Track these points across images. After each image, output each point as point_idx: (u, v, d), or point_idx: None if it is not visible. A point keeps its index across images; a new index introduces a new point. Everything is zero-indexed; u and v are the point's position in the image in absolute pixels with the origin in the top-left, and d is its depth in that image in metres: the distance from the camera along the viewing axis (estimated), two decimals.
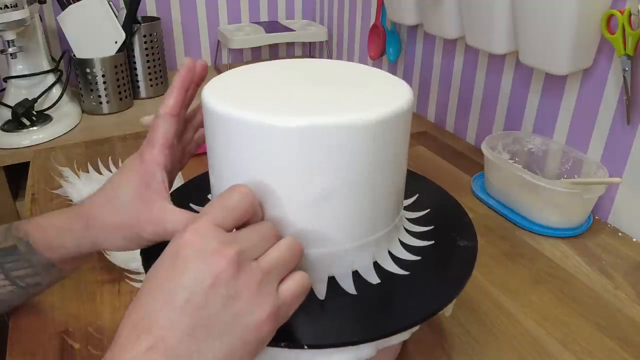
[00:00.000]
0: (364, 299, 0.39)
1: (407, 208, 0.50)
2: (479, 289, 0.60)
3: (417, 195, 0.52)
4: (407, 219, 0.48)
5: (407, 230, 0.47)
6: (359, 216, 0.39)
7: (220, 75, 0.43)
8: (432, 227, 0.48)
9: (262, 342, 0.33)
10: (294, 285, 0.34)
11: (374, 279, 0.41)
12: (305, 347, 0.35)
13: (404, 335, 0.41)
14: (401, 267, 0.42)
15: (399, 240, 0.45)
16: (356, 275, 0.41)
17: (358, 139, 0.36)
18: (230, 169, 0.39)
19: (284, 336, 0.35)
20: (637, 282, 0.62)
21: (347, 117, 0.35)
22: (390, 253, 0.43)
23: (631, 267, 0.65)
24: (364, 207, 0.39)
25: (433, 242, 0.46)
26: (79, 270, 0.50)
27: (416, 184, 0.53)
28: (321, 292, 0.40)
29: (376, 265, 0.42)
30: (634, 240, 0.70)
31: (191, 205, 0.50)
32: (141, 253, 0.44)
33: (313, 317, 0.38)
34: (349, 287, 0.40)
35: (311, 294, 0.39)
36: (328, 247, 0.40)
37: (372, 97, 0.40)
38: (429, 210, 0.50)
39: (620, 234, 0.72)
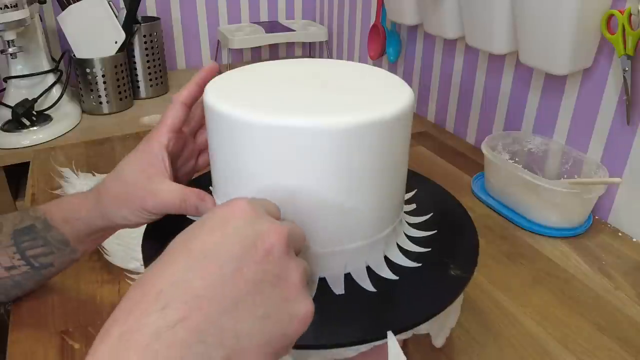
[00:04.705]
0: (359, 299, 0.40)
1: (407, 206, 0.50)
2: (479, 289, 0.60)
3: (417, 195, 0.52)
4: (406, 219, 0.48)
5: (408, 227, 0.47)
6: (356, 217, 0.39)
7: (222, 74, 0.44)
8: (433, 227, 0.48)
9: (292, 342, 0.29)
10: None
11: (379, 277, 0.41)
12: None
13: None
14: (402, 268, 0.42)
15: (404, 234, 0.45)
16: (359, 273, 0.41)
17: (331, 142, 0.36)
18: (226, 165, 0.40)
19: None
20: (637, 282, 0.62)
21: (326, 119, 0.35)
22: (393, 251, 0.43)
23: (631, 267, 0.65)
24: (363, 207, 0.39)
25: (433, 242, 0.46)
26: (88, 253, 0.54)
27: (416, 183, 0.53)
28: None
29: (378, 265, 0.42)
30: (634, 240, 0.70)
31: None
32: (142, 253, 0.44)
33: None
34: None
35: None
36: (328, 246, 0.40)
37: (369, 99, 0.40)
38: (430, 211, 0.50)
39: (620, 234, 0.72)
